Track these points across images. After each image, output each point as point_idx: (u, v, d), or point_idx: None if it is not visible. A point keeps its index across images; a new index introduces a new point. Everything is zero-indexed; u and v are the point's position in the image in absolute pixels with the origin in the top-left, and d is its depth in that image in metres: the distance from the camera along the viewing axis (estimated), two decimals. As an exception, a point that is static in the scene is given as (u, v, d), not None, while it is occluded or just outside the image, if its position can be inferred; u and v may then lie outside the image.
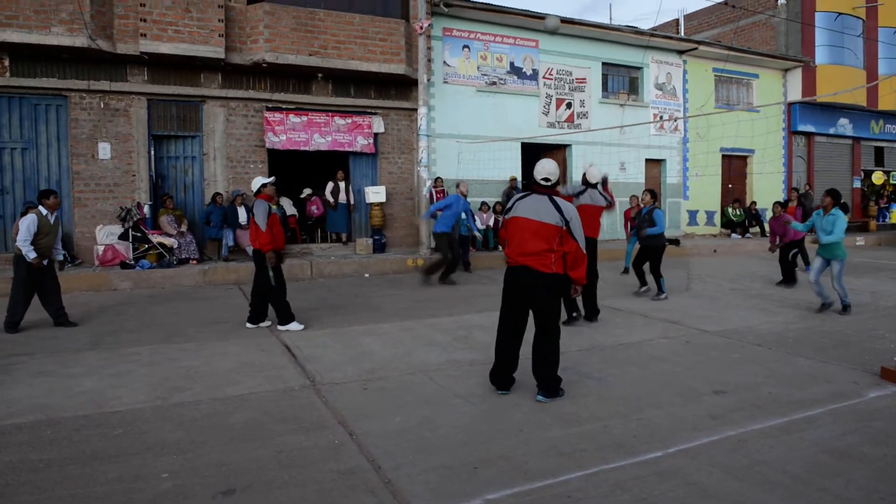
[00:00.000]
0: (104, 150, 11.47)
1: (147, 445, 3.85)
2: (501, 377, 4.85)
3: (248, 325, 7.32)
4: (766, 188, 20.14)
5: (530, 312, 4.80)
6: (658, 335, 6.89)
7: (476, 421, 4.28)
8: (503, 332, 4.83)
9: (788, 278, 10.60)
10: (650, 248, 9.30)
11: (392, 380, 5.23)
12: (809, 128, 20.98)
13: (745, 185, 20.50)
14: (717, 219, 19.69)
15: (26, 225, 6.94)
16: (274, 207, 7.44)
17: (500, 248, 12.49)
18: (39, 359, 5.89)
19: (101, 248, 11.09)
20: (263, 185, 7.23)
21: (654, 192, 9.49)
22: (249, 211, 12.00)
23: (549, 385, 4.67)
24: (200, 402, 4.67)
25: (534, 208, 4.69)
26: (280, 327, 7.14)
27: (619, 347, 6.35)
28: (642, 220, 9.36)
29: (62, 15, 10.29)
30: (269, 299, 7.20)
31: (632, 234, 12.03)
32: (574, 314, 7.42)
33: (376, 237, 13.59)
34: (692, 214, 19.21)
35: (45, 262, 7.16)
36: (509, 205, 4.90)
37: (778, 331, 7.09)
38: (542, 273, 4.61)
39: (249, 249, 8.09)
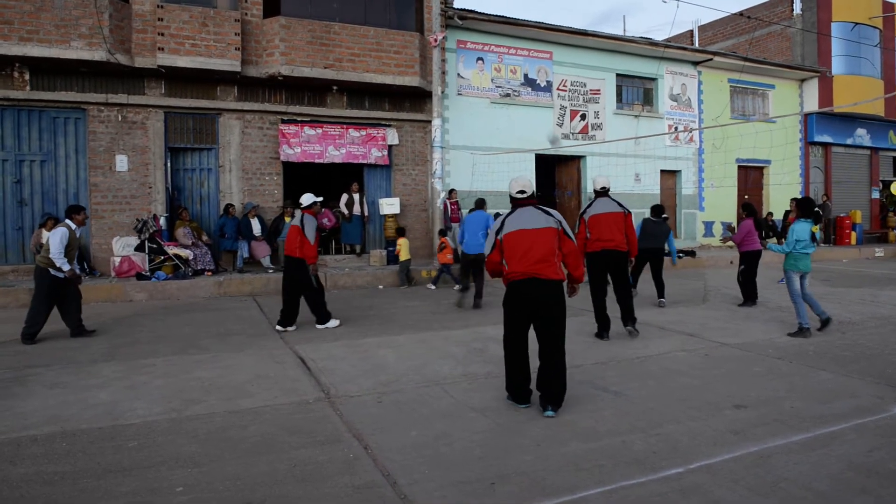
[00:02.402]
0: (121, 162, 11.59)
1: (162, 458, 3.83)
2: (522, 392, 4.80)
3: (278, 328, 7.74)
4: (783, 199, 19.93)
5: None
6: (676, 348, 6.79)
7: (492, 435, 4.23)
8: (513, 349, 4.79)
9: (749, 296, 9.62)
10: None
11: (407, 392, 5.19)
12: (826, 138, 20.79)
13: (761, 195, 20.31)
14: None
15: (59, 238, 7.02)
16: (289, 220, 7.62)
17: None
18: (55, 370, 5.91)
19: (117, 260, 11.16)
20: (313, 203, 7.87)
21: None
22: (263, 223, 12.20)
23: (559, 397, 4.62)
24: (215, 414, 4.65)
25: (527, 219, 4.74)
26: (318, 326, 7.83)
27: (636, 360, 6.26)
28: None
29: (82, 29, 10.44)
30: (310, 300, 7.81)
31: None
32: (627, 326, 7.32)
33: (390, 249, 13.56)
34: (708, 225, 19.05)
35: (77, 272, 7.32)
36: (497, 226, 4.82)
37: (798, 344, 6.97)
38: (554, 280, 4.61)
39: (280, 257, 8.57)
